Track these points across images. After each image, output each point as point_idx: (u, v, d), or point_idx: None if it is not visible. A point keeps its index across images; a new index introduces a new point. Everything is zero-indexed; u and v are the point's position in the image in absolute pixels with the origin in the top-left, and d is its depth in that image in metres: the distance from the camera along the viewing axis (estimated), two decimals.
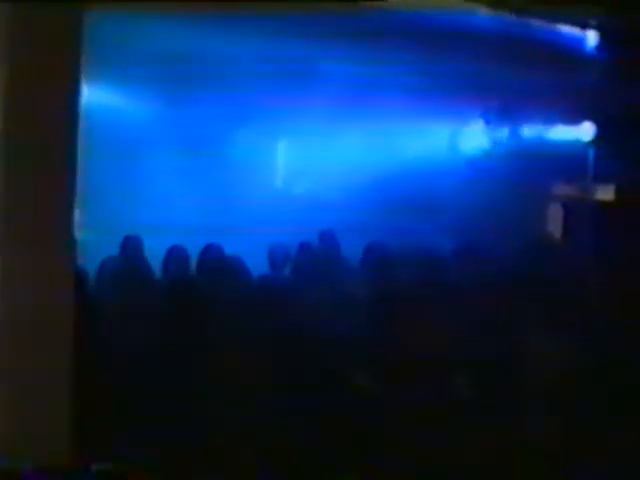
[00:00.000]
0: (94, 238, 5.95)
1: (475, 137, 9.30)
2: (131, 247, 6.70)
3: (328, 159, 8.77)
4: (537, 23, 8.43)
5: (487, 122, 9.20)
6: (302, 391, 4.06)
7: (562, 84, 8.42)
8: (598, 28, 8.93)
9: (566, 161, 9.07)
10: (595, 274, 5.79)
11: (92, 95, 6.25)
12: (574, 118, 9.21)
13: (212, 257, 6.14)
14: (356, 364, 4.28)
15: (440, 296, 4.94)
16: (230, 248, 6.19)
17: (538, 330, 4.66)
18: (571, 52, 8.78)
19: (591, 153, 9.22)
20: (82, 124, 3.22)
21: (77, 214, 3.25)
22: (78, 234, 3.79)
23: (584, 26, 8.94)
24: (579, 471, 4.03)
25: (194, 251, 6.32)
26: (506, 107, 8.84)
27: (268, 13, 6.79)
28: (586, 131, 9.19)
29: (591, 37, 9.01)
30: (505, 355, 4.46)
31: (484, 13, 7.94)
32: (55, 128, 3.04)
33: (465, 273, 5.81)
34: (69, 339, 3.08)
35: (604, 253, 6.73)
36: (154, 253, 6.51)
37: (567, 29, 8.89)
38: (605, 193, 9.11)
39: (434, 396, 4.13)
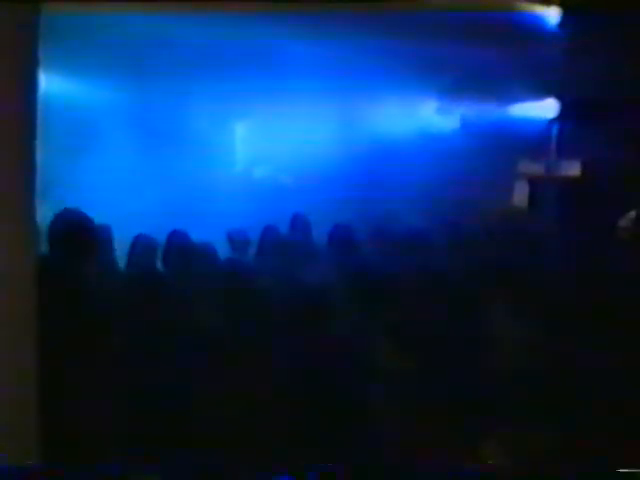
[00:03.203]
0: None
1: (439, 116, 9.36)
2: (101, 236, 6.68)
3: (292, 141, 8.78)
4: (501, 1, 8.49)
5: (450, 100, 9.26)
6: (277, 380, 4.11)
7: (525, 61, 8.47)
8: (561, 5, 8.99)
9: (531, 138, 9.15)
10: (560, 251, 5.85)
11: (50, 85, 6.24)
12: (538, 95, 9.27)
13: (178, 243, 6.12)
14: (325, 348, 4.29)
15: (408, 275, 4.99)
16: (195, 235, 6.18)
17: (504, 310, 4.70)
18: (533, 28, 8.82)
19: (555, 130, 9.30)
20: (41, 114, 3.23)
21: (40, 206, 3.26)
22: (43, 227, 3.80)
23: (547, 2, 9.00)
24: None
25: (160, 238, 6.33)
26: (469, 85, 8.88)
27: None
28: (550, 108, 9.27)
29: (554, 13, 9.07)
30: (473, 336, 4.50)
31: None
32: (14, 119, 3.04)
33: (433, 252, 5.85)
34: (33, 336, 3.06)
35: (570, 229, 6.81)
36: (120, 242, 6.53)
37: (531, 6, 8.94)
38: (570, 169, 9.19)
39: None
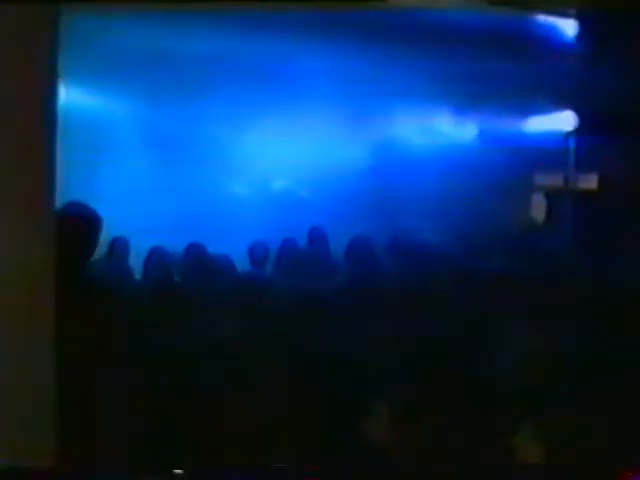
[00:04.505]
0: None
1: (456, 129, 9.36)
2: (118, 249, 6.78)
3: (310, 154, 8.80)
4: (518, 13, 8.48)
5: (467, 113, 9.25)
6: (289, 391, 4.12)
7: (542, 72, 8.45)
8: (579, 17, 8.97)
9: (549, 151, 9.12)
10: (578, 264, 5.84)
11: (69, 96, 6.28)
12: (555, 107, 9.26)
13: (196, 256, 6.15)
14: (343, 361, 4.31)
15: (426, 288, 5.01)
16: (213, 247, 6.21)
17: (521, 326, 4.68)
18: (550, 39, 8.81)
19: (573, 142, 9.27)
20: (60, 125, 3.25)
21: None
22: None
23: (565, 15, 8.98)
24: None
25: (177, 251, 6.35)
26: (485, 97, 8.87)
27: (245, 11, 6.83)
28: (568, 120, 9.26)
29: (571, 23, 9.05)
30: (490, 347, 4.47)
31: (461, 5, 7.99)
32: (33, 129, 3.07)
33: (449, 265, 5.85)
34: (52, 340, 3.09)
35: (588, 244, 6.78)
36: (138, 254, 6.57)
37: (548, 19, 8.93)
38: (588, 182, 9.16)
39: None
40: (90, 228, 4.08)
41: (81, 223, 4.02)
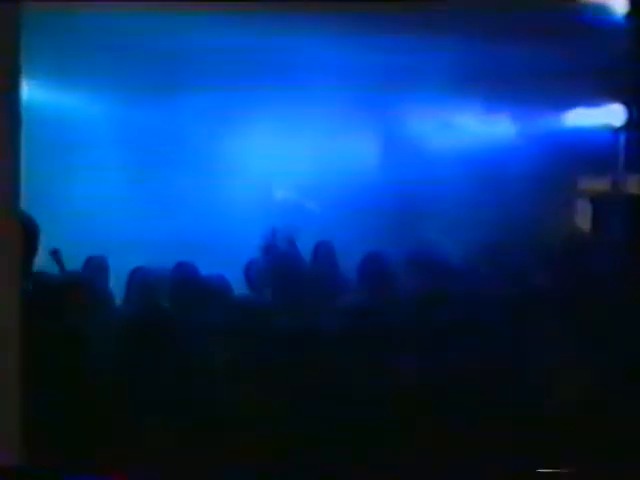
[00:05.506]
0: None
1: (485, 126, 9.37)
2: (94, 270, 6.81)
3: (315, 160, 8.85)
4: None
5: (498, 109, 9.26)
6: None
7: (587, 61, 8.44)
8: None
9: (594, 150, 9.13)
10: (629, 279, 5.83)
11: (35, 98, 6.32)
12: (602, 100, 9.26)
13: (185, 278, 6.16)
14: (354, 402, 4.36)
15: (451, 311, 5.01)
16: (205, 268, 6.26)
17: (568, 347, 4.73)
18: (596, 23, 8.80)
19: (622, 140, 9.27)
20: (27, 132, 3.32)
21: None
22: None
23: None
24: None
25: (163, 272, 6.37)
26: (520, 90, 8.87)
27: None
28: (616, 115, 9.26)
29: (622, 5, 9.04)
30: (528, 381, 4.55)
31: None
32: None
33: (481, 285, 5.84)
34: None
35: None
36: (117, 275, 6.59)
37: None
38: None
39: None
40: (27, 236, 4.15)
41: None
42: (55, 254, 6.28)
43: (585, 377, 4.57)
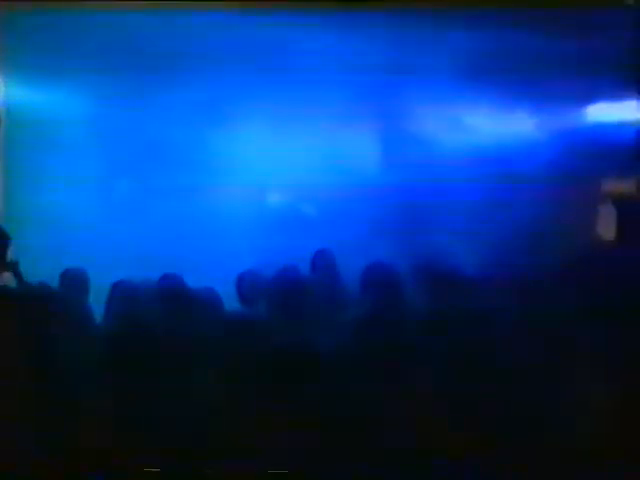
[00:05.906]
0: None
1: (499, 122, 9.32)
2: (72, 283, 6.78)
3: (314, 162, 8.85)
4: None
5: (514, 105, 9.22)
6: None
7: (611, 52, 8.40)
8: None
9: (618, 150, 9.06)
10: None
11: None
12: (628, 95, 9.20)
13: (171, 291, 6.09)
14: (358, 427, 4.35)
15: (463, 327, 4.95)
16: (193, 280, 6.20)
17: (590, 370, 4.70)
18: (624, 15, 8.77)
19: None
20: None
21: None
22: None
23: None
24: None
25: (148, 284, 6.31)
26: (537, 84, 8.82)
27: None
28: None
29: None
30: (555, 404, 4.54)
31: None
32: None
33: (496, 297, 5.77)
34: None
35: None
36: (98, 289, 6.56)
37: None
38: None
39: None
40: None
41: None
42: (13, 266, 6.29)
43: (609, 392, 4.56)
